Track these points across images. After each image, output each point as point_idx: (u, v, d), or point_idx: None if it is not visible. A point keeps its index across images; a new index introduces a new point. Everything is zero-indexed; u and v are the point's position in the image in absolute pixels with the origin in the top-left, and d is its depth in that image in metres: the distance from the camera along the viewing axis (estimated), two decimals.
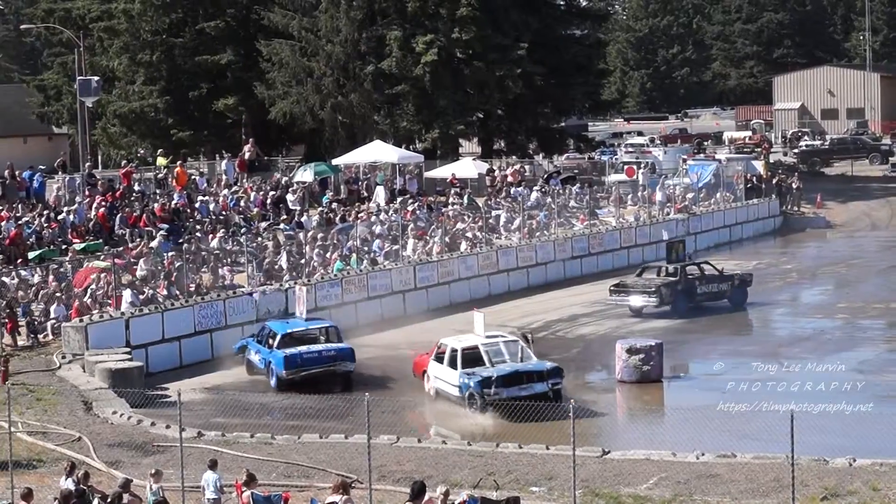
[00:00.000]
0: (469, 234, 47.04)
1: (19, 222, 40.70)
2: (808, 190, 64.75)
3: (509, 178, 58.83)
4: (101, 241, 41.86)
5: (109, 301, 35.19)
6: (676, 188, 58.12)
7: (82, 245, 41.08)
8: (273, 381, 31.78)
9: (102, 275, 36.25)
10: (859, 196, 67.16)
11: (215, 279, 38.42)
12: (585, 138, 77.20)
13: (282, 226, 46.13)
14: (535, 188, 56.19)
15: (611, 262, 49.68)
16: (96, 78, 57.37)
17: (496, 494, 20.09)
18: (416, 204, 50.68)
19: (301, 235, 43.97)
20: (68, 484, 19.38)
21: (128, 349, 32.87)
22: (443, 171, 57.97)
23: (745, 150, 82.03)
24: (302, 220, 47.26)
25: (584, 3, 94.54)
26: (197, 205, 47.43)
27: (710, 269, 41.46)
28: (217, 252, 41.13)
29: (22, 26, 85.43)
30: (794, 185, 63.79)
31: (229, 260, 41.40)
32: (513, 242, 47.92)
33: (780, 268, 50.54)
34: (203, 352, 35.00)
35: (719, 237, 56.62)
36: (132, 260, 38.48)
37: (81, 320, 33.60)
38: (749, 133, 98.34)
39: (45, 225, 41.89)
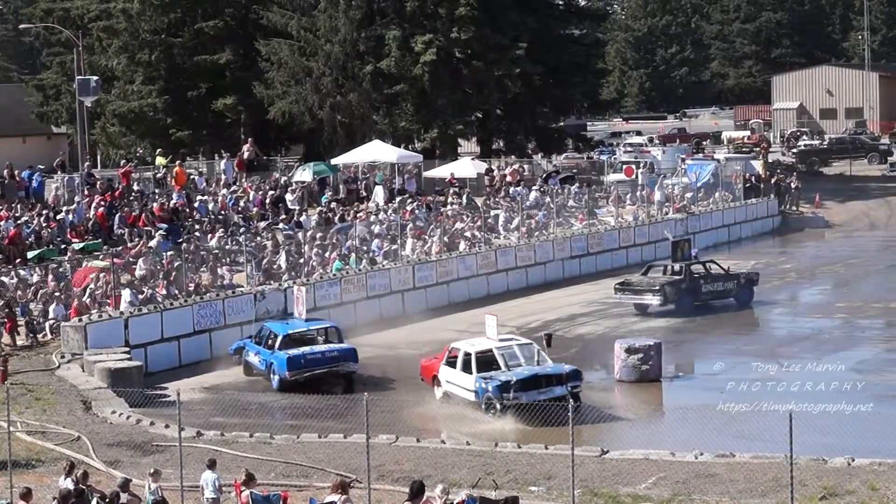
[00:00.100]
0: (468, 234, 47.05)
1: (18, 222, 40.68)
2: (806, 190, 64.74)
3: (508, 178, 58.84)
4: (100, 240, 41.88)
5: (108, 301, 35.18)
6: (675, 188, 58.11)
7: (81, 245, 41.09)
8: (275, 383, 31.61)
9: (101, 274, 36.24)
10: (858, 196, 67.13)
11: (214, 279, 38.42)
12: (584, 138, 77.09)
13: (281, 225, 46.13)
14: (533, 188, 56.19)
15: (609, 261, 49.67)
16: (95, 77, 57.40)
17: (495, 494, 20.08)
18: (414, 203, 50.67)
19: (300, 235, 43.98)
20: (67, 483, 19.37)
21: (127, 349, 32.87)
22: (441, 171, 57.96)
23: (744, 149, 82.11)
24: (301, 219, 47.25)
25: (582, 3, 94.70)
26: (196, 204, 47.43)
27: (716, 268, 41.49)
28: (216, 252, 41.14)
29: (21, 26, 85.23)
30: (792, 185, 63.79)
31: (228, 259, 41.41)
32: (511, 242, 47.91)
33: (779, 267, 50.52)
34: (202, 351, 34.98)
35: (718, 237, 56.58)
36: (131, 259, 38.49)
37: (80, 320, 33.60)
38: (748, 133, 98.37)
39: (44, 224, 41.89)
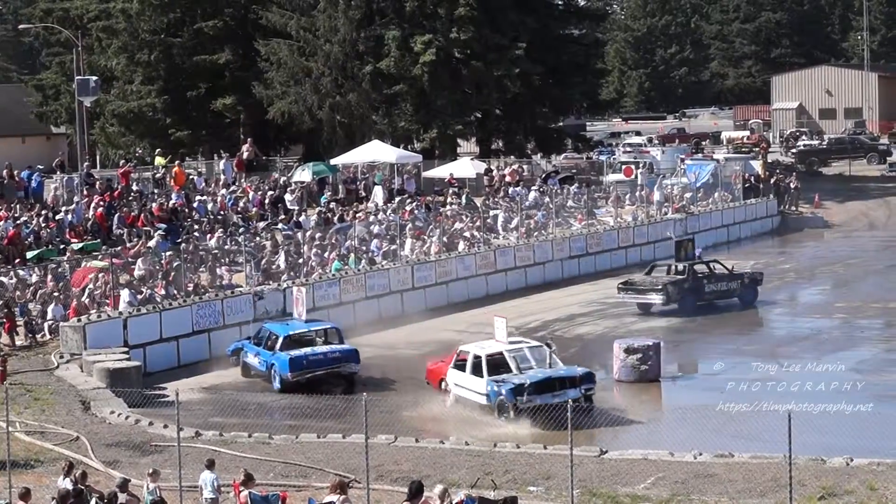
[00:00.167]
0: (467, 234, 47.04)
1: (17, 222, 40.66)
2: (805, 190, 64.74)
3: (507, 178, 58.81)
4: (99, 240, 41.85)
5: (107, 301, 35.17)
6: (674, 188, 58.10)
7: (80, 245, 41.06)
8: (276, 384, 31.48)
9: (100, 274, 36.23)
10: (857, 196, 67.13)
11: (213, 279, 38.40)
12: (583, 138, 77.05)
13: (280, 225, 46.11)
14: (533, 188, 56.18)
15: (608, 261, 49.67)
16: (94, 77, 57.34)
17: (494, 494, 20.06)
18: (414, 204, 50.65)
19: (299, 235, 43.96)
20: (66, 483, 19.35)
21: (126, 349, 32.86)
22: (441, 171, 57.95)
23: (743, 149, 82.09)
24: (300, 219, 47.24)
25: (582, 3, 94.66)
26: (195, 204, 47.42)
27: (720, 268, 41.48)
28: (215, 252, 41.13)
29: (20, 26, 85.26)
30: (791, 185, 63.78)
31: (227, 260, 41.40)
32: (511, 242, 47.90)
33: (778, 267, 50.49)
34: (201, 352, 34.94)
35: (717, 237, 56.51)
36: (130, 260, 38.47)
37: (79, 320, 33.58)
38: (747, 133, 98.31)
39: (43, 225, 41.86)
